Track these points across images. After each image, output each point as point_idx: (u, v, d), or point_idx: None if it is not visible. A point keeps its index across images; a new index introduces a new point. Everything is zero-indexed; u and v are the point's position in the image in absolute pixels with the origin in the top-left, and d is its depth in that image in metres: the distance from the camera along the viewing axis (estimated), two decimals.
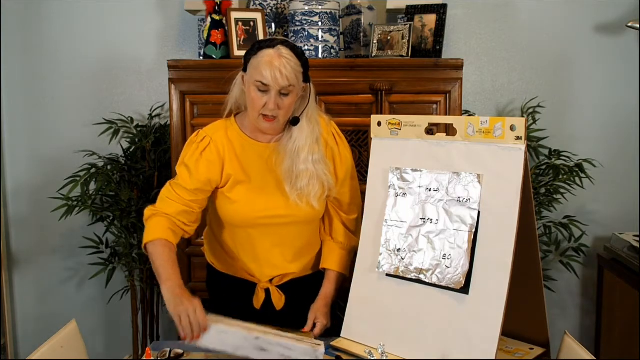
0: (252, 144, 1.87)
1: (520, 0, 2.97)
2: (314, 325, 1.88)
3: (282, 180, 1.84)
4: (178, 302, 1.62)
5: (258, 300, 1.97)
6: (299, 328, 1.88)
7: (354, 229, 2.00)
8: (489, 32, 3.00)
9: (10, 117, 3.08)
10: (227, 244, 1.95)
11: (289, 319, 1.91)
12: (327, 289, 1.96)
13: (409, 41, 2.55)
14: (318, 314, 1.90)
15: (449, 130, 1.75)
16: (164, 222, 1.81)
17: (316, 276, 2.01)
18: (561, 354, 1.74)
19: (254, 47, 1.80)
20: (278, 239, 1.91)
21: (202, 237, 2.10)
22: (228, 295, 1.99)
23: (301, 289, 1.97)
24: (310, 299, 1.95)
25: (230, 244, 1.95)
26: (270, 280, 1.96)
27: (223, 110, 1.91)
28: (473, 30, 3.00)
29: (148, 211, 1.86)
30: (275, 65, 1.73)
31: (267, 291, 1.96)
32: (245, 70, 1.82)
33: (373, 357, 1.54)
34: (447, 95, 2.48)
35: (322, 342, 1.71)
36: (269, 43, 1.78)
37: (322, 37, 2.56)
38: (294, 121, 1.84)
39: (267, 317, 1.92)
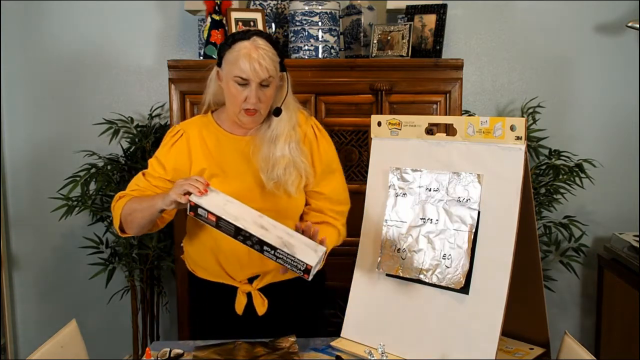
0: (228, 137, 1.85)
1: (521, 0, 2.97)
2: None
3: (258, 171, 1.80)
4: (176, 183, 1.66)
5: (240, 305, 1.89)
6: (282, 335, 1.82)
7: (342, 220, 1.94)
8: (489, 32, 3.00)
9: (10, 117, 3.08)
10: (205, 244, 1.89)
11: (272, 325, 1.86)
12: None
13: (409, 41, 2.55)
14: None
15: (449, 130, 1.75)
16: (126, 196, 1.82)
17: (299, 280, 1.87)
18: (561, 354, 1.74)
19: (228, 40, 1.76)
20: None
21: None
22: (210, 302, 1.92)
23: (284, 294, 1.90)
24: (293, 304, 1.90)
25: (208, 242, 1.88)
26: (251, 283, 1.90)
27: (200, 107, 1.91)
28: (473, 30, 3.00)
29: (116, 197, 1.85)
30: (254, 57, 1.70)
31: (249, 296, 1.90)
32: (220, 65, 1.79)
33: (373, 357, 1.54)
34: (447, 95, 2.48)
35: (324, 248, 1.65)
36: (243, 35, 1.74)
37: (322, 37, 2.56)
38: (276, 112, 1.81)
39: (249, 323, 1.88)
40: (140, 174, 1.87)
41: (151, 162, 1.87)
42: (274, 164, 1.79)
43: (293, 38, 2.60)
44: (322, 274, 1.99)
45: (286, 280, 1.90)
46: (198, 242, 1.92)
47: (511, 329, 1.78)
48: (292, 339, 1.80)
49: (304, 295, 1.94)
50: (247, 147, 1.83)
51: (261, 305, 1.90)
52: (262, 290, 1.90)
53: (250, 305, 1.90)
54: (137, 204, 1.77)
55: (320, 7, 2.55)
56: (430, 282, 1.68)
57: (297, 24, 2.57)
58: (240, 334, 1.85)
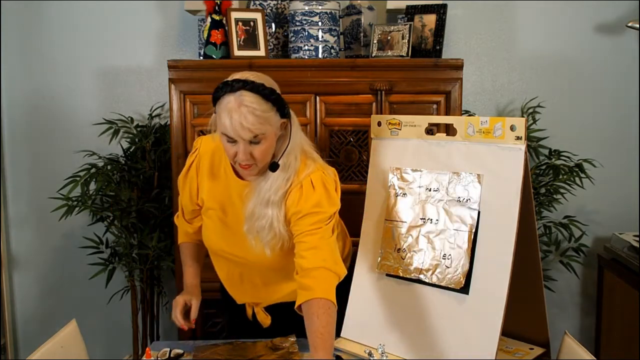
0: (234, 179, 1.76)
1: (521, 1, 2.97)
2: None
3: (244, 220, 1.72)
4: (178, 295, 1.82)
5: (248, 314, 1.96)
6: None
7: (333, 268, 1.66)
8: (489, 32, 3.00)
9: (10, 117, 3.08)
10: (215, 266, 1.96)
11: (279, 334, 1.87)
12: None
13: (409, 41, 2.55)
14: None
15: (449, 130, 1.75)
16: (184, 225, 1.95)
17: None
18: (561, 354, 1.74)
19: (219, 89, 1.60)
20: (247, 273, 1.86)
21: None
22: (227, 303, 1.98)
23: (287, 311, 1.81)
24: (297, 317, 1.70)
25: (212, 261, 1.95)
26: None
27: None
28: (473, 30, 3.00)
29: (178, 221, 1.97)
30: (235, 118, 1.54)
31: (253, 309, 1.94)
32: (215, 111, 1.65)
33: (373, 357, 1.54)
34: (447, 95, 2.48)
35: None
36: (231, 87, 1.56)
37: (322, 37, 2.56)
38: (272, 167, 1.66)
39: (258, 330, 1.92)
40: (177, 213, 1.96)
41: (179, 184, 1.90)
42: (258, 218, 1.68)
43: (293, 38, 2.60)
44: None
45: (290, 302, 1.74)
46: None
47: (511, 329, 1.78)
48: (292, 339, 1.80)
49: None
50: (243, 191, 1.74)
51: (264, 320, 1.93)
52: (266, 308, 1.93)
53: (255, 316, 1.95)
54: (181, 259, 1.95)
55: (320, 7, 2.55)
56: (430, 282, 1.68)
57: (297, 24, 2.57)
58: (253, 336, 1.89)
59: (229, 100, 1.56)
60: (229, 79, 1.61)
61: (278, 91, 1.62)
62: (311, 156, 1.72)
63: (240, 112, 1.54)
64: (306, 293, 1.59)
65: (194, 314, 1.77)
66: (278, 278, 1.83)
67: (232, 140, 1.59)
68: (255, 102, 1.56)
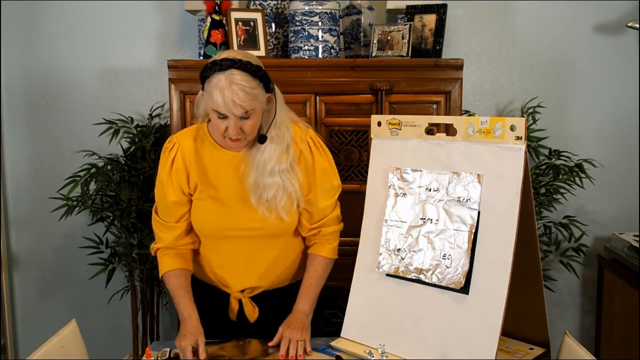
0: (221, 152, 1.82)
1: (520, 0, 2.97)
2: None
3: (249, 193, 1.79)
4: (181, 336, 1.74)
5: (232, 311, 1.93)
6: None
7: (333, 242, 1.94)
8: (489, 32, 3.00)
9: (10, 117, 3.08)
10: (200, 251, 1.93)
11: (264, 331, 1.86)
12: (300, 304, 1.86)
13: (409, 41, 2.55)
14: (285, 326, 1.79)
15: (449, 130, 1.75)
16: (168, 253, 1.88)
17: (291, 288, 1.94)
18: (561, 354, 1.74)
19: (208, 67, 1.68)
20: (248, 252, 1.86)
21: None
22: (204, 303, 1.91)
23: (275, 301, 1.91)
24: (285, 311, 1.88)
25: (202, 251, 1.92)
26: (242, 291, 1.92)
27: (194, 122, 1.91)
28: (473, 30, 3.00)
29: (152, 251, 1.92)
30: (227, 95, 1.63)
31: (241, 302, 1.92)
32: (203, 89, 1.73)
33: (373, 357, 1.54)
34: (447, 95, 2.48)
35: None
36: (220, 66, 1.65)
37: (322, 37, 2.56)
38: (261, 139, 1.77)
39: (242, 329, 1.90)
40: (153, 218, 1.90)
41: (157, 190, 1.86)
42: (264, 189, 1.77)
43: (293, 38, 2.60)
44: None
45: (277, 288, 1.93)
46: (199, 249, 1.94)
47: (511, 329, 1.78)
48: None
49: (294, 301, 1.92)
50: (239, 164, 1.81)
51: (252, 313, 1.92)
52: (253, 298, 1.92)
53: (242, 311, 1.93)
54: (170, 292, 1.87)
55: (320, 7, 2.55)
56: (430, 282, 1.68)
57: (297, 24, 2.57)
58: (234, 337, 1.87)
59: (220, 79, 1.65)
60: (217, 58, 1.69)
61: (263, 68, 1.73)
62: (298, 121, 1.87)
63: (231, 90, 1.64)
64: (316, 247, 1.91)
65: (202, 354, 1.70)
66: (286, 252, 1.91)
67: (223, 117, 1.69)
68: (245, 80, 1.66)
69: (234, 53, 1.72)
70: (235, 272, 1.90)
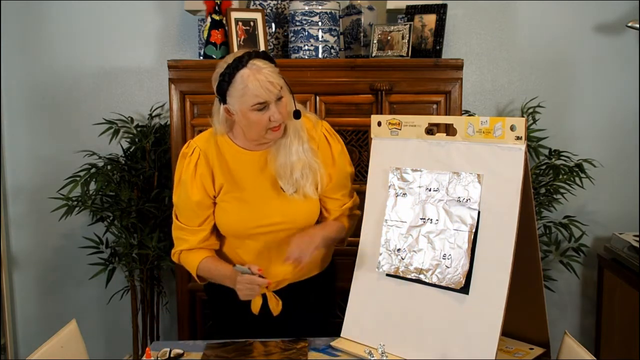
0: (245, 154, 1.85)
1: (520, 0, 2.97)
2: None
3: (277, 180, 1.82)
4: (237, 282, 1.76)
5: (255, 305, 1.93)
6: (296, 335, 1.86)
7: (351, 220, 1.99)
8: (489, 32, 3.00)
9: (10, 117, 3.08)
10: (224, 251, 1.95)
11: (287, 325, 1.88)
12: (314, 228, 1.89)
13: (409, 41, 2.55)
14: (292, 242, 1.82)
15: (449, 130, 1.75)
16: (193, 252, 1.90)
17: (314, 280, 1.98)
18: (561, 354, 1.74)
19: (225, 76, 1.74)
20: (275, 247, 1.88)
21: None
22: (225, 300, 1.92)
23: (299, 294, 1.94)
24: (308, 304, 1.93)
25: (228, 250, 1.94)
26: (266, 286, 1.92)
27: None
28: (473, 30, 3.00)
29: (174, 256, 1.94)
30: (262, 79, 1.70)
31: (264, 296, 1.93)
32: (225, 101, 1.77)
33: (373, 357, 1.54)
34: (447, 95, 2.48)
35: None
36: (238, 63, 1.72)
37: (322, 37, 2.56)
38: (296, 114, 1.81)
39: (264, 323, 1.91)
40: (174, 224, 1.91)
41: (178, 192, 1.88)
42: (292, 169, 1.81)
43: (293, 38, 2.60)
44: (333, 273, 2.06)
45: (300, 281, 1.95)
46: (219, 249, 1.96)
47: (511, 329, 1.78)
48: (305, 343, 1.80)
49: (317, 295, 1.98)
50: (261, 160, 1.85)
51: (275, 306, 1.93)
52: (277, 291, 1.94)
53: (265, 305, 1.93)
54: (210, 274, 1.90)
55: (320, 7, 2.55)
56: (430, 282, 1.68)
57: (297, 24, 2.57)
58: (256, 334, 1.88)
59: (246, 72, 1.71)
60: (228, 62, 1.75)
61: None
62: (305, 112, 1.90)
63: (263, 74, 1.71)
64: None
65: (255, 267, 1.75)
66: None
67: (263, 107, 1.72)
68: (264, 63, 1.74)
69: (241, 51, 1.78)
70: (263, 268, 1.88)
